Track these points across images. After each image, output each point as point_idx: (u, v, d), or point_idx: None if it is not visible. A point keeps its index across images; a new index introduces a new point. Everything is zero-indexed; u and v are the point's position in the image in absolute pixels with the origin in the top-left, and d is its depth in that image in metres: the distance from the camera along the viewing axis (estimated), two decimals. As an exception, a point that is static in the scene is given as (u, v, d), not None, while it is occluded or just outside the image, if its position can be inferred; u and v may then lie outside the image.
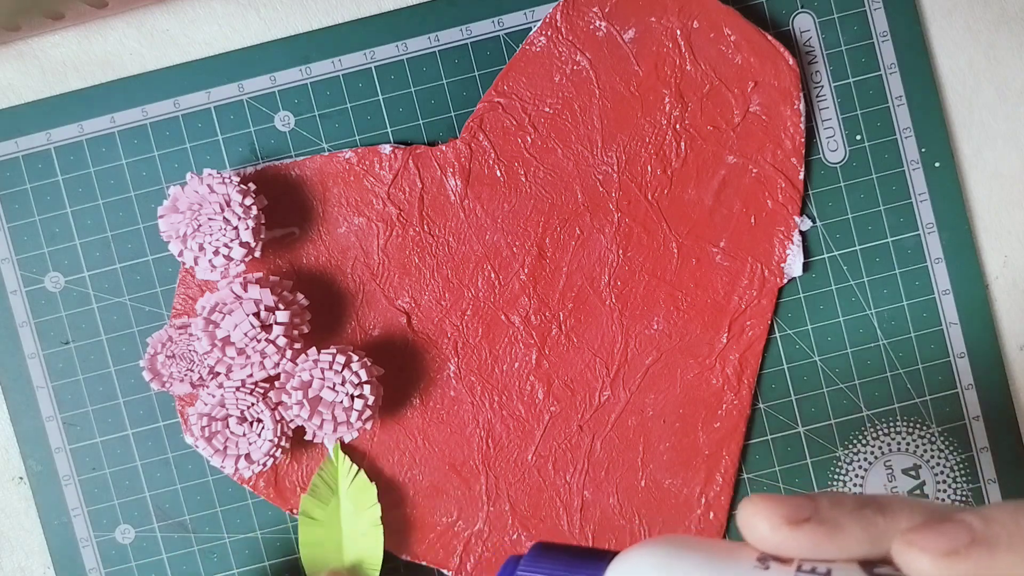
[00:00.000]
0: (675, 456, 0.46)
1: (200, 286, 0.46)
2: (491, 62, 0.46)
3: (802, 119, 0.46)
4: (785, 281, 0.46)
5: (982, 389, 0.47)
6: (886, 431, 0.47)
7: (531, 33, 0.46)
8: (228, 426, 0.43)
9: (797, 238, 0.46)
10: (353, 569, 0.45)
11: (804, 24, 0.47)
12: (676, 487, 0.46)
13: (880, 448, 0.47)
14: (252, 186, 0.43)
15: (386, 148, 0.46)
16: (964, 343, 0.47)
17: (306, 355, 0.42)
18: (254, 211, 0.42)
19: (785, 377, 0.47)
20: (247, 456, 0.43)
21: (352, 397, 0.42)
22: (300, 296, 0.44)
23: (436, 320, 0.46)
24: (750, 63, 0.45)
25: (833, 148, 0.47)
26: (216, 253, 0.42)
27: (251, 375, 0.43)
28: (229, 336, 0.41)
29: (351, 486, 0.45)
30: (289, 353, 0.42)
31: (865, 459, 0.47)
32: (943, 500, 0.47)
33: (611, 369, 0.46)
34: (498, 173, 0.46)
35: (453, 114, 0.46)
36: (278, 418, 0.43)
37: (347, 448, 0.46)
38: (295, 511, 0.46)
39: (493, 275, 0.46)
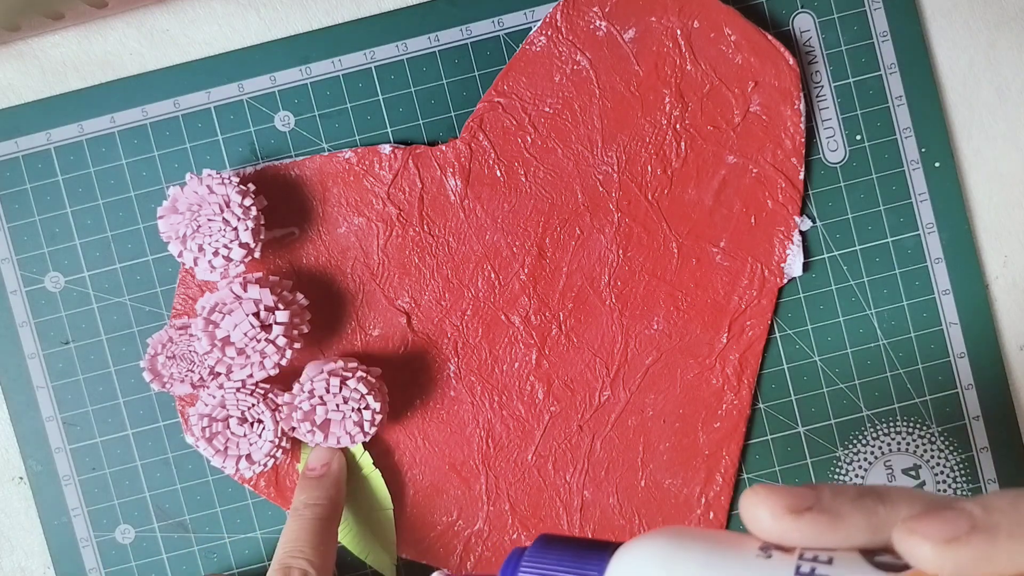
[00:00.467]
0: (675, 456, 0.46)
1: (200, 286, 0.46)
2: (491, 62, 0.46)
3: (802, 119, 0.46)
4: (785, 281, 0.46)
5: (982, 389, 0.47)
6: (886, 431, 0.47)
7: (531, 33, 0.46)
8: (229, 427, 0.43)
9: (797, 238, 0.46)
10: (370, 514, 0.46)
11: (804, 24, 0.47)
12: (676, 487, 0.46)
13: (880, 448, 0.47)
14: (252, 186, 0.43)
15: (386, 148, 0.46)
16: (964, 343, 0.47)
17: (299, 384, 0.42)
18: (254, 212, 0.42)
19: (785, 377, 0.47)
20: (248, 456, 0.43)
21: (359, 411, 0.42)
22: (300, 296, 0.44)
23: (436, 320, 0.46)
24: (750, 63, 0.45)
25: (833, 148, 0.47)
26: (216, 254, 0.42)
27: (251, 375, 0.43)
28: (229, 336, 0.41)
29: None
30: (289, 353, 0.42)
31: (865, 459, 0.47)
32: (943, 500, 0.47)
33: (611, 369, 0.46)
34: (498, 173, 0.46)
35: (453, 114, 0.46)
36: (279, 419, 0.43)
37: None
38: (295, 511, 0.46)
39: (493, 275, 0.46)
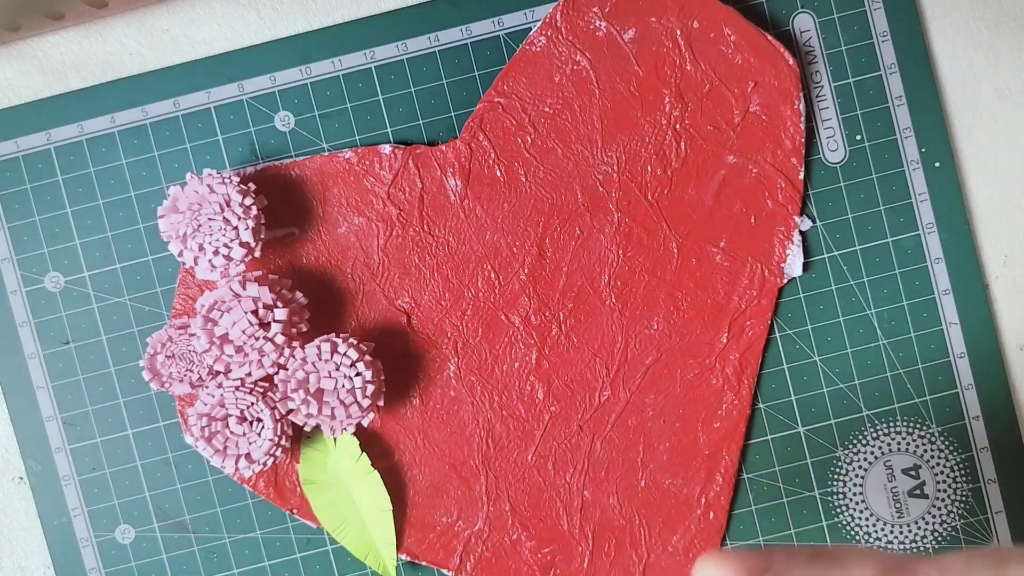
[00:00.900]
0: (675, 456, 0.46)
1: (200, 286, 0.46)
2: (491, 62, 0.46)
3: (802, 119, 0.46)
4: (785, 281, 0.46)
5: (982, 389, 0.47)
6: (886, 431, 0.47)
7: (531, 33, 0.46)
8: (228, 426, 0.43)
9: (797, 238, 0.46)
10: (369, 515, 0.46)
11: (804, 24, 0.47)
12: (676, 487, 0.46)
13: (880, 448, 0.47)
14: (252, 186, 0.43)
15: (386, 148, 0.46)
16: (964, 343, 0.47)
17: (294, 356, 0.42)
18: (254, 211, 0.42)
19: (785, 377, 0.47)
20: (247, 456, 0.43)
21: (351, 378, 0.42)
22: (299, 294, 0.44)
23: (436, 320, 0.46)
24: (750, 63, 0.45)
25: (833, 148, 0.47)
26: (216, 253, 0.42)
27: (250, 373, 0.43)
28: (227, 334, 0.41)
29: (336, 445, 0.46)
30: (287, 352, 0.42)
31: (865, 459, 0.47)
32: (943, 500, 0.47)
33: (611, 369, 0.46)
34: (498, 173, 0.46)
35: (453, 114, 0.46)
36: (278, 417, 0.43)
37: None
38: (295, 511, 0.46)
39: (493, 275, 0.46)
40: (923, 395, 0.47)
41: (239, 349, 0.42)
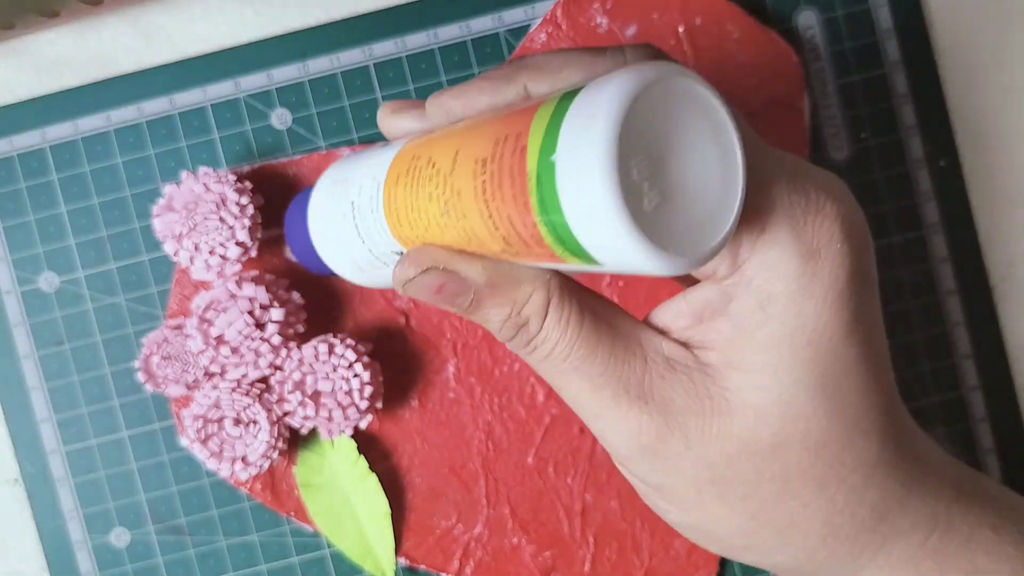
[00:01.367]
0: (677, 458, 0.46)
1: (196, 286, 0.45)
2: (491, 59, 0.46)
3: (806, 116, 0.45)
4: (789, 281, 0.46)
5: (988, 391, 0.47)
6: (891, 433, 0.47)
7: (531, 30, 0.45)
8: (224, 428, 0.43)
9: (801, 238, 0.46)
10: (367, 519, 0.45)
11: (808, 21, 0.46)
12: (678, 490, 0.46)
13: (885, 450, 0.47)
14: (248, 185, 0.43)
15: (384, 146, 0.45)
16: (969, 344, 0.47)
17: (291, 357, 0.42)
18: (250, 210, 0.42)
19: (789, 378, 0.47)
20: (243, 458, 0.43)
21: (348, 380, 0.42)
22: (295, 295, 0.43)
23: (435, 321, 0.46)
24: (753, 60, 0.45)
25: (837, 146, 0.46)
26: (212, 253, 0.42)
27: (246, 375, 0.42)
28: (223, 335, 0.41)
29: (333, 447, 0.45)
30: (284, 352, 0.42)
31: (870, 462, 0.47)
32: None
33: (612, 370, 0.46)
34: (498, 172, 0.46)
35: (452, 112, 0.46)
36: (274, 419, 0.43)
37: (345, 450, 0.46)
38: (292, 514, 0.46)
39: (493, 275, 0.46)
40: (929, 396, 0.47)
41: (235, 350, 0.41)
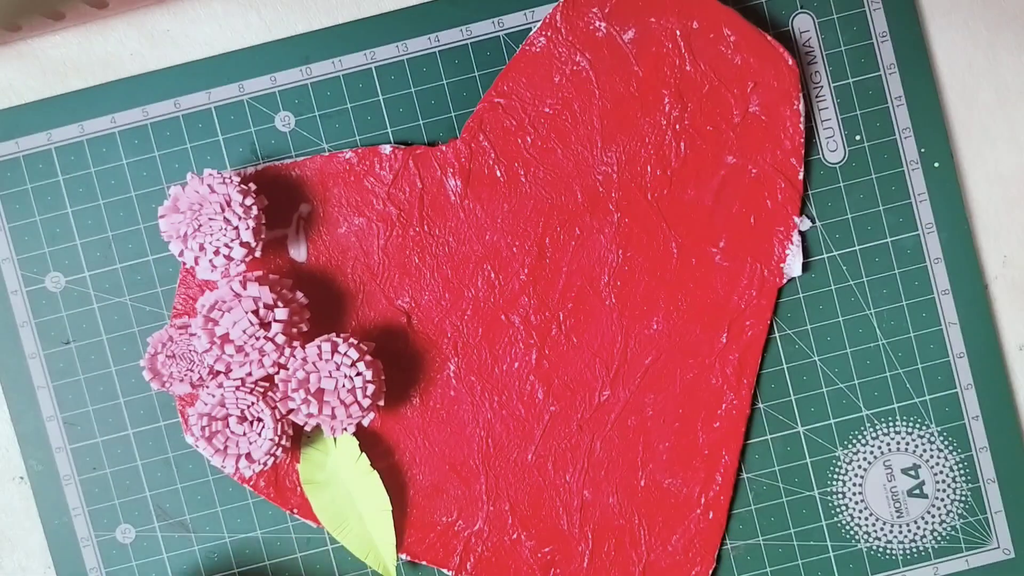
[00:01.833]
0: (675, 456, 0.46)
1: (200, 286, 0.46)
2: (491, 62, 0.46)
3: (801, 119, 0.46)
4: (785, 281, 0.46)
5: (981, 389, 0.47)
6: (885, 431, 0.47)
7: (531, 34, 0.46)
8: (228, 426, 0.43)
9: (796, 238, 0.46)
10: (369, 515, 0.46)
11: (804, 24, 0.47)
12: (676, 487, 0.46)
13: (879, 448, 0.47)
14: (252, 186, 0.43)
15: (386, 148, 0.46)
16: (963, 343, 0.47)
17: (294, 356, 0.42)
18: (254, 211, 0.42)
19: (785, 377, 0.47)
20: (248, 455, 0.43)
21: (351, 378, 0.42)
22: (299, 294, 0.44)
23: (436, 320, 0.46)
24: (750, 63, 0.46)
25: (832, 148, 0.47)
26: (216, 253, 0.42)
27: (250, 373, 0.43)
28: (228, 334, 0.41)
29: (336, 444, 0.46)
30: (288, 351, 0.42)
31: (864, 459, 0.47)
32: (943, 499, 0.47)
33: (611, 369, 0.46)
34: (498, 173, 0.46)
35: (453, 114, 0.46)
36: (278, 417, 0.43)
37: (347, 448, 0.46)
38: (295, 511, 0.46)
39: (493, 275, 0.46)
40: (922, 395, 0.47)
41: (240, 349, 0.42)
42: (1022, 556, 0.47)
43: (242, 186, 0.42)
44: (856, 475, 0.47)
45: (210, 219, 0.42)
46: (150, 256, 0.46)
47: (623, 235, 0.46)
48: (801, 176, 0.46)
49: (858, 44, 0.47)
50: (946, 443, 0.47)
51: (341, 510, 0.46)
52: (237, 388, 0.43)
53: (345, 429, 0.43)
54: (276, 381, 0.43)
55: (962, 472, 0.47)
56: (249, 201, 0.42)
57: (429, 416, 0.46)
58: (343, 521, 0.45)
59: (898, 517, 0.47)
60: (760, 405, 0.47)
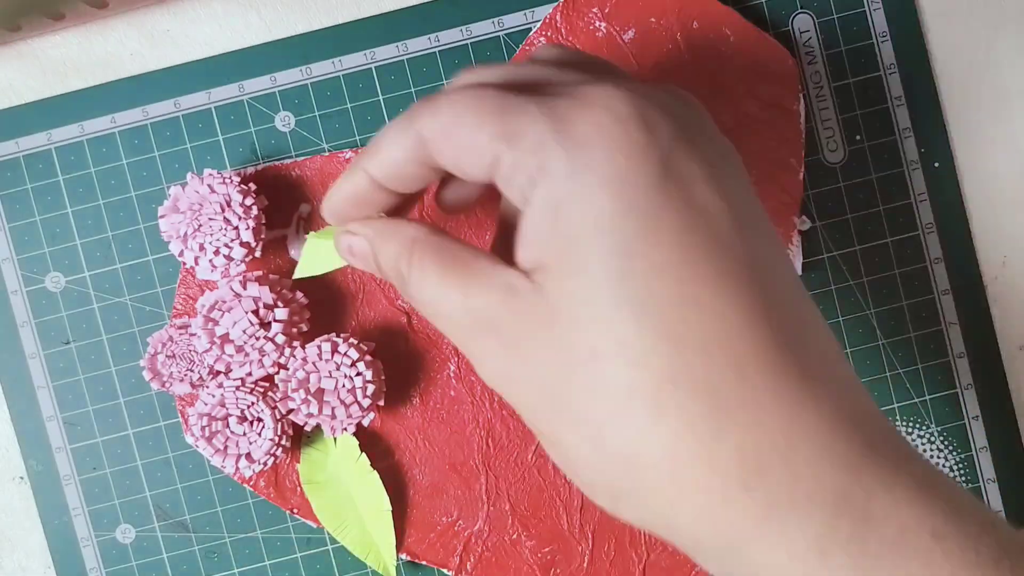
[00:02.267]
0: (675, 456, 0.46)
1: (201, 286, 0.46)
2: (491, 62, 0.46)
3: (801, 119, 0.46)
4: (785, 281, 0.46)
5: (981, 389, 0.47)
6: (885, 431, 0.47)
7: (531, 33, 0.46)
8: (228, 426, 0.43)
9: (796, 238, 0.46)
10: (369, 515, 0.46)
11: (804, 24, 0.47)
12: (676, 487, 0.46)
13: (879, 448, 0.47)
14: (253, 186, 0.43)
15: (386, 148, 0.46)
16: (963, 343, 0.47)
17: (294, 356, 0.42)
18: (255, 211, 0.43)
19: (785, 377, 0.47)
20: (248, 455, 0.43)
21: (351, 378, 0.42)
22: (299, 294, 0.44)
23: (436, 320, 0.46)
24: (750, 63, 0.46)
25: (832, 148, 0.47)
26: (217, 253, 0.42)
27: (250, 373, 0.43)
28: (228, 334, 0.42)
29: (336, 445, 0.46)
30: (288, 351, 0.42)
31: (864, 459, 0.47)
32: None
33: (611, 369, 0.46)
34: (498, 173, 0.46)
35: (453, 114, 0.46)
36: (278, 417, 0.43)
37: (347, 448, 0.46)
38: (295, 511, 0.46)
39: (493, 275, 0.46)
40: (922, 395, 0.47)
41: (240, 349, 0.42)
42: (1022, 556, 0.47)
43: (242, 186, 0.43)
44: (856, 475, 0.47)
45: (210, 219, 0.42)
46: (150, 256, 0.46)
47: (623, 235, 0.46)
48: (801, 176, 0.46)
49: (858, 44, 0.47)
50: (946, 443, 0.47)
51: (341, 510, 0.46)
52: (237, 388, 0.43)
53: (345, 429, 0.43)
54: (276, 381, 0.43)
55: (962, 472, 0.47)
56: (249, 201, 0.42)
57: (429, 416, 0.46)
58: (343, 521, 0.46)
59: (898, 517, 0.47)
60: (760, 405, 0.47)
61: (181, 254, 0.43)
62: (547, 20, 0.46)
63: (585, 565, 0.46)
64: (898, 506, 0.24)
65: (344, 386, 0.42)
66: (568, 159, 0.25)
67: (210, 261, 0.42)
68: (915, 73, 0.47)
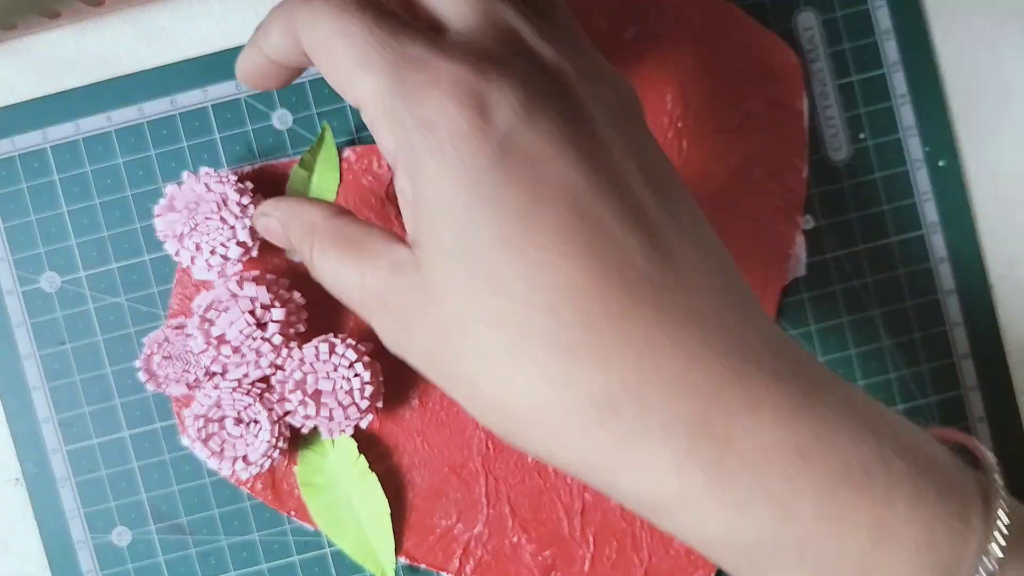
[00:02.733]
0: (677, 458, 0.46)
1: (197, 286, 0.46)
2: (491, 60, 0.46)
3: (805, 117, 0.46)
4: (788, 281, 0.46)
5: (987, 391, 0.47)
6: (890, 433, 0.47)
7: (531, 31, 0.46)
8: (225, 427, 0.43)
9: (800, 238, 0.46)
10: (367, 518, 0.45)
11: (807, 22, 0.46)
12: (678, 489, 0.46)
13: (884, 450, 0.47)
14: (249, 185, 0.43)
15: (385, 147, 0.46)
16: (968, 344, 0.47)
17: (291, 357, 0.42)
18: (251, 210, 0.42)
19: (788, 378, 0.47)
20: (244, 458, 0.43)
21: (349, 380, 0.42)
22: (296, 294, 0.43)
23: (435, 320, 0.46)
24: (752, 61, 0.45)
25: (836, 147, 0.47)
26: (213, 252, 0.42)
27: (247, 374, 0.42)
28: (224, 334, 0.41)
29: (334, 447, 0.45)
30: (284, 352, 0.42)
31: (869, 461, 0.47)
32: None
33: (612, 370, 0.46)
34: (498, 172, 0.46)
35: (452, 113, 0.46)
36: (275, 418, 0.43)
37: (345, 450, 0.46)
38: (293, 513, 0.46)
39: (493, 275, 0.46)
40: (927, 396, 0.47)
41: (236, 350, 0.41)
42: (1028, 559, 0.47)
43: (239, 185, 0.42)
44: (860, 477, 0.47)
45: (206, 218, 0.42)
46: (146, 256, 0.46)
47: (624, 235, 0.46)
48: (805, 174, 0.46)
49: (862, 42, 0.46)
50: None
51: (339, 513, 0.45)
52: (234, 389, 0.42)
53: (343, 431, 0.43)
54: (273, 382, 0.43)
55: (967, 474, 0.47)
56: (246, 200, 0.42)
57: (428, 418, 0.46)
58: (341, 524, 0.45)
59: (903, 520, 0.47)
60: (763, 407, 0.47)
61: (177, 254, 0.42)
62: (547, 17, 0.45)
63: (586, 569, 0.46)
64: (762, 427, 0.26)
65: (342, 387, 0.42)
66: (421, 139, 0.28)
67: (206, 261, 0.42)
68: (920, 71, 0.46)
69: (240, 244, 0.42)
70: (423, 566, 0.46)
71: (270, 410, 0.43)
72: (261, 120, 0.46)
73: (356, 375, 0.42)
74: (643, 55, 0.45)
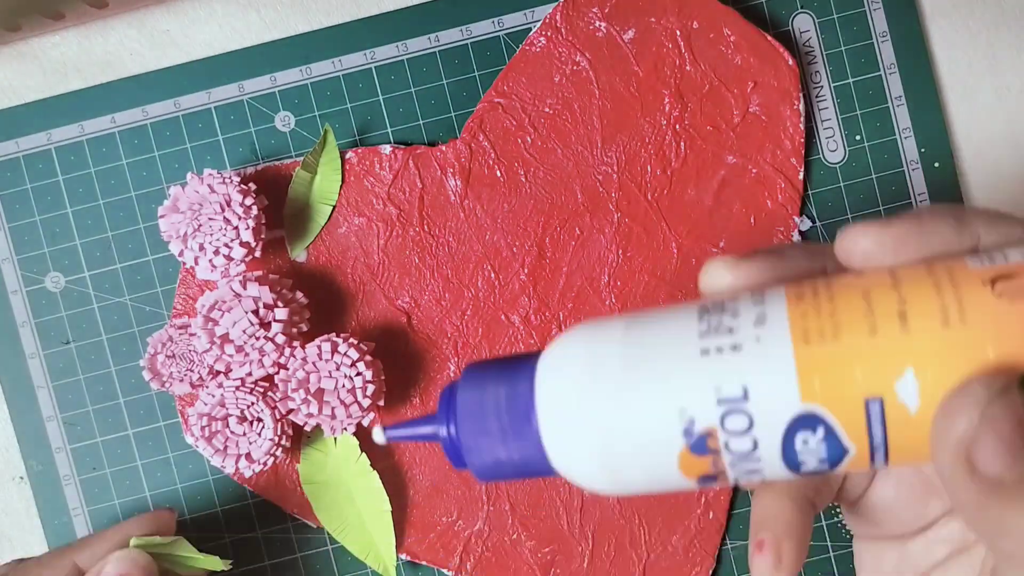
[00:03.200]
0: (675, 456, 0.46)
1: (200, 286, 0.46)
2: (491, 62, 0.46)
3: (802, 119, 0.46)
4: (785, 281, 0.46)
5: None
6: (886, 431, 0.47)
7: (531, 33, 0.46)
8: (228, 426, 0.43)
9: (797, 238, 0.46)
10: (369, 515, 0.46)
11: (804, 24, 0.47)
12: (676, 487, 0.46)
13: (880, 448, 0.47)
14: (252, 186, 0.43)
15: (386, 148, 0.46)
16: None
17: (294, 356, 0.42)
18: (254, 211, 0.43)
19: (785, 377, 0.47)
20: (247, 455, 0.43)
21: (351, 378, 0.42)
22: (299, 294, 0.44)
23: (436, 320, 0.46)
24: (750, 63, 0.46)
25: (833, 148, 0.47)
26: (216, 253, 0.42)
27: (250, 373, 0.43)
28: (228, 334, 0.42)
29: (336, 444, 0.46)
30: (287, 351, 0.42)
31: (865, 459, 0.47)
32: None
33: (611, 369, 0.46)
34: (498, 173, 0.46)
35: (453, 114, 0.46)
36: (278, 417, 0.43)
37: (347, 448, 0.46)
38: (296, 511, 0.46)
39: (493, 275, 0.46)
40: (922, 395, 0.47)
41: (239, 349, 0.42)
42: None
43: (242, 186, 0.43)
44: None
45: (210, 219, 0.42)
46: (150, 256, 0.46)
47: (623, 235, 0.46)
48: (801, 176, 0.46)
49: (858, 44, 0.47)
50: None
51: (341, 510, 0.46)
52: (237, 388, 0.43)
53: (345, 429, 0.43)
54: (276, 381, 0.43)
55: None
56: (249, 201, 0.42)
57: (429, 416, 0.46)
58: (343, 521, 0.46)
59: (898, 517, 0.47)
60: (760, 405, 0.47)
61: (181, 254, 0.43)
62: (547, 20, 0.46)
63: (585, 565, 0.46)
64: None
65: (344, 386, 0.42)
66: None
67: (210, 261, 0.42)
68: (915, 73, 0.47)
69: (243, 244, 0.42)
70: (424, 562, 0.46)
71: (273, 408, 0.43)
72: (264, 122, 0.46)
73: (358, 374, 0.42)
74: (641, 57, 0.46)
